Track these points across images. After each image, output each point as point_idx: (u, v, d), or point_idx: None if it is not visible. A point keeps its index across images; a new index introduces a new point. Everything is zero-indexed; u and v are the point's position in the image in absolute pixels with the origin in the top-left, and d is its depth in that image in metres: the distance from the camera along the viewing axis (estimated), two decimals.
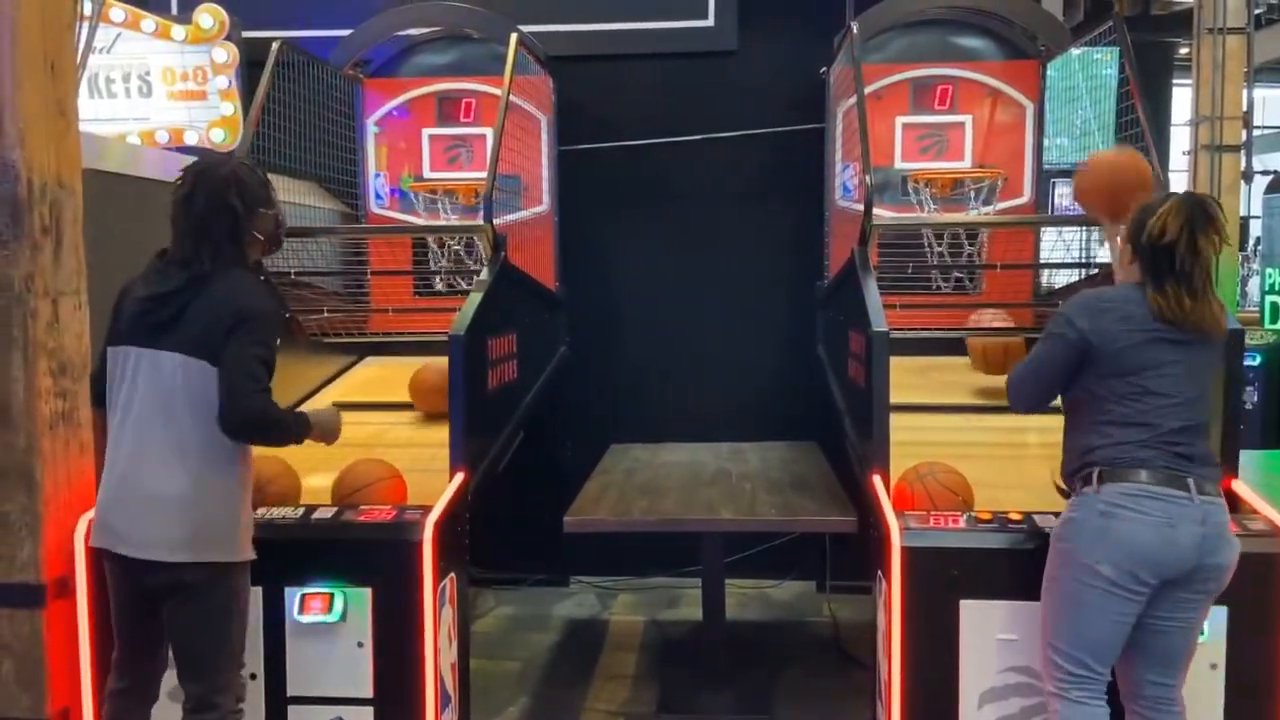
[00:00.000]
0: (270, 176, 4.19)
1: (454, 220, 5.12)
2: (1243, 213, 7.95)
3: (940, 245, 4.70)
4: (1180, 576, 2.46)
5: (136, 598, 2.63)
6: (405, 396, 4.24)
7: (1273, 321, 8.56)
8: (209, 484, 2.58)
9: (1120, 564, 2.45)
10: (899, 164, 4.96)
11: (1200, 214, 2.48)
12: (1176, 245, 2.47)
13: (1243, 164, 5.95)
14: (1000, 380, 3.10)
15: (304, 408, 4.21)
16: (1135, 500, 2.46)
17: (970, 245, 4.73)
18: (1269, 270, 9.21)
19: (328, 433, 2.88)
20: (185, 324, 2.57)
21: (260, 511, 3.11)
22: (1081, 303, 2.61)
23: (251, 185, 2.70)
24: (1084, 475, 2.57)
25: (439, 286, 4.97)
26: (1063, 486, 2.71)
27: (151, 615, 2.63)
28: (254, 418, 2.57)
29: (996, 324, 4.32)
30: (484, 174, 4.24)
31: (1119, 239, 2.70)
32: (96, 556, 2.94)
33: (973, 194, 4.84)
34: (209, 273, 2.60)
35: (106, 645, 2.94)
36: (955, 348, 4.45)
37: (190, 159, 2.91)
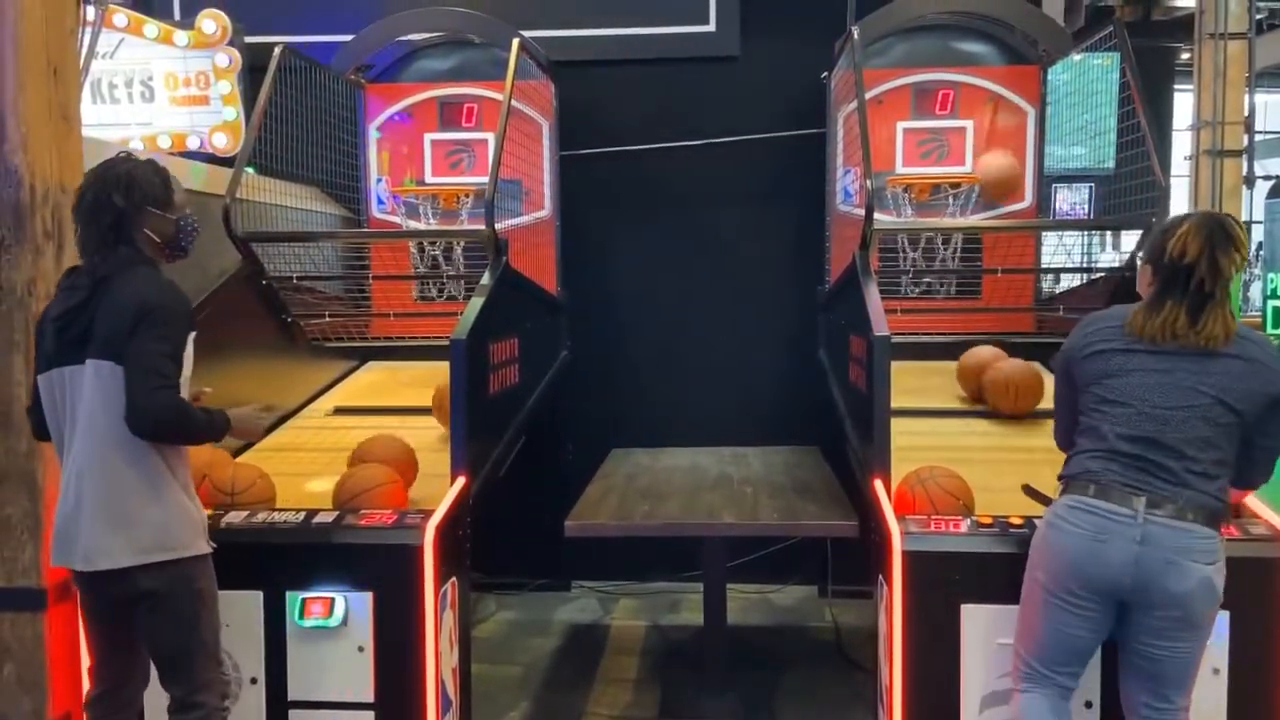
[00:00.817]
0: (272, 180, 4.25)
1: (435, 224, 5.14)
2: (1244, 218, 7.94)
3: (915, 251, 4.69)
4: (1127, 596, 2.43)
5: (105, 608, 2.61)
6: (406, 401, 4.25)
7: (1275, 327, 8.56)
8: (139, 486, 2.52)
9: (1053, 573, 2.50)
10: (900, 169, 4.96)
11: (1221, 235, 2.45)
12: (1197, 265, 2.44)
13: (1244, 169, 5.95)
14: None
15: (305, 412, 4.24)
16: (1070, 512, 2.49)
17: (944, 249, 4.73)
18: (1271, 275, 9.21)
19: (248, 430, 2.83)
20: (95, 329, 2.52)
21: (262, 515, 3.11)
22: (1075, 329, 2.66)
23: (143, 183, 2.60)
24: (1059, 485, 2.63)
25: (432, 293, 4.99)
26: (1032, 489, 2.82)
27: (122, 623, 2.61)
28: (160, 415, 2.48)
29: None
30: (486, 179, 4.25)
31: (1140, 261, 2.69)
32: None
33: (951, 199, 4.84)
34: (108, 275, 2.54)
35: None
36: (957, 352, 4.46)
37: (194, 164, 2.91)
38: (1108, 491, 2.45)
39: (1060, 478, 2.61)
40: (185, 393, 2.58)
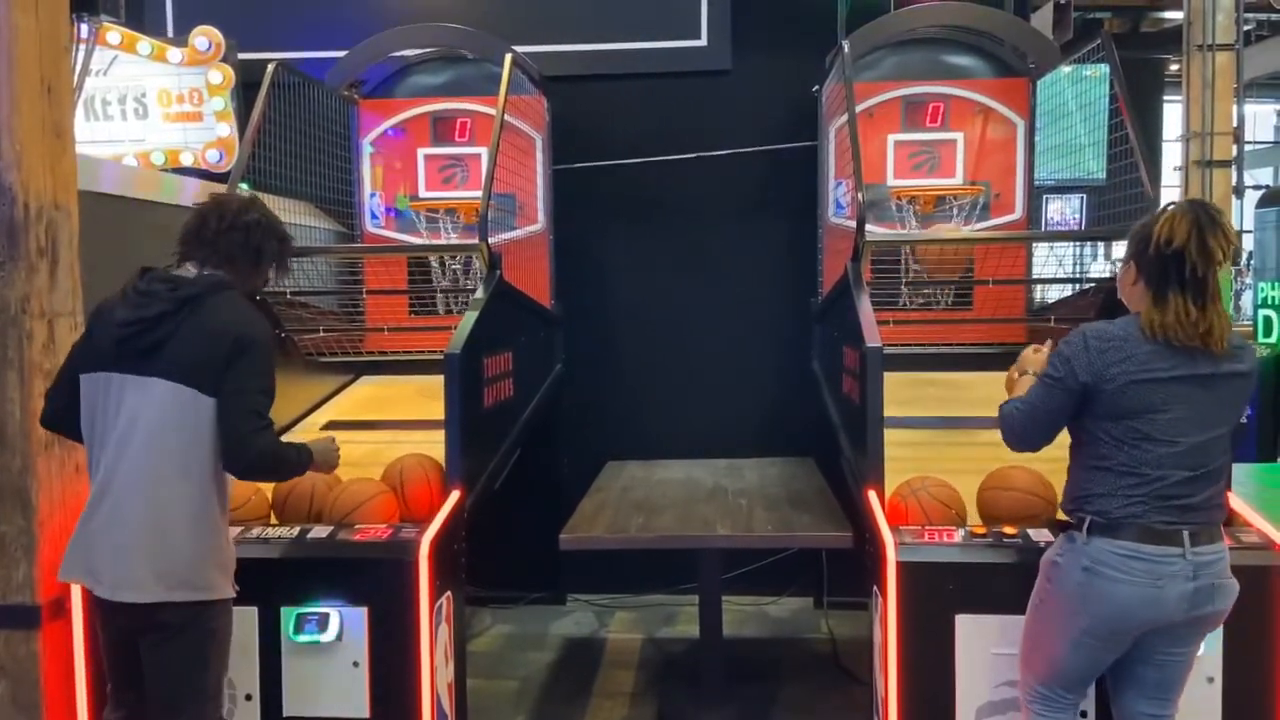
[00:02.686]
0: (266, 196, 4.25)
1: (454, 239, 5.14)
2: (1234, 227, 7.99)
3: (916, 261, 4.72)
4: (1173, 623, 2.41)
5: (119, 634, 2.54)
6: (400, 415, 4.25)
7: (1266, 336, 8.59)
8: (184, 519, 2.46)
9: (1100, 621, 2.41)
10: (891, 181, 4.98)
11: (1207, 218, 2.38)
12: (1187, 249, 2.35)
13: (1234, 179, 6.00)
14: None
15: (300, 427, 4.24)
16: (1121, 560, 2.38)
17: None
18: (1262, 284, 9.25)
19: (326, 462, 2.83)
20: (175, 350, 2.43)
21: (256, 531, 3.11)
22: (1080, 342, 2.46)
23: (286, 243, 2.76)
24: (1077, 517, 2.50)
25: (440, 310, 4.98)
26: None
27: (135, 649, 2.53)
28: (263, 458, 2.50)
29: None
30: (479, 193, 4.26)
31: (1121, 263, 2.58)
32: None
33: (956, 210, 4.87)
34: (198, 294, 2.48)
35: (102, 666, 2.94)
36: (949, 363, 4.47)
37: (186, 180, 2.93)
38: (1157, 535, 2.37)
39: (1080, 512, 2.48)
40: None
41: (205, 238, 2.57)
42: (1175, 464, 2.38)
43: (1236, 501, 3.00)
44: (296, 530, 3.11)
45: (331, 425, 4.30)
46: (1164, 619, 2.38)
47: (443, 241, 5.14)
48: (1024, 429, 2.57)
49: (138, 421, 2.44)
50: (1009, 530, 2.97)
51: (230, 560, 2.59)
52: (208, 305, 2.48)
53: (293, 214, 4.63)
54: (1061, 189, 5.11)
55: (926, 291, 4.80)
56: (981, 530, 2.98)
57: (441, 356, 3.38)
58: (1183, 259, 2.36)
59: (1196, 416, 2.39)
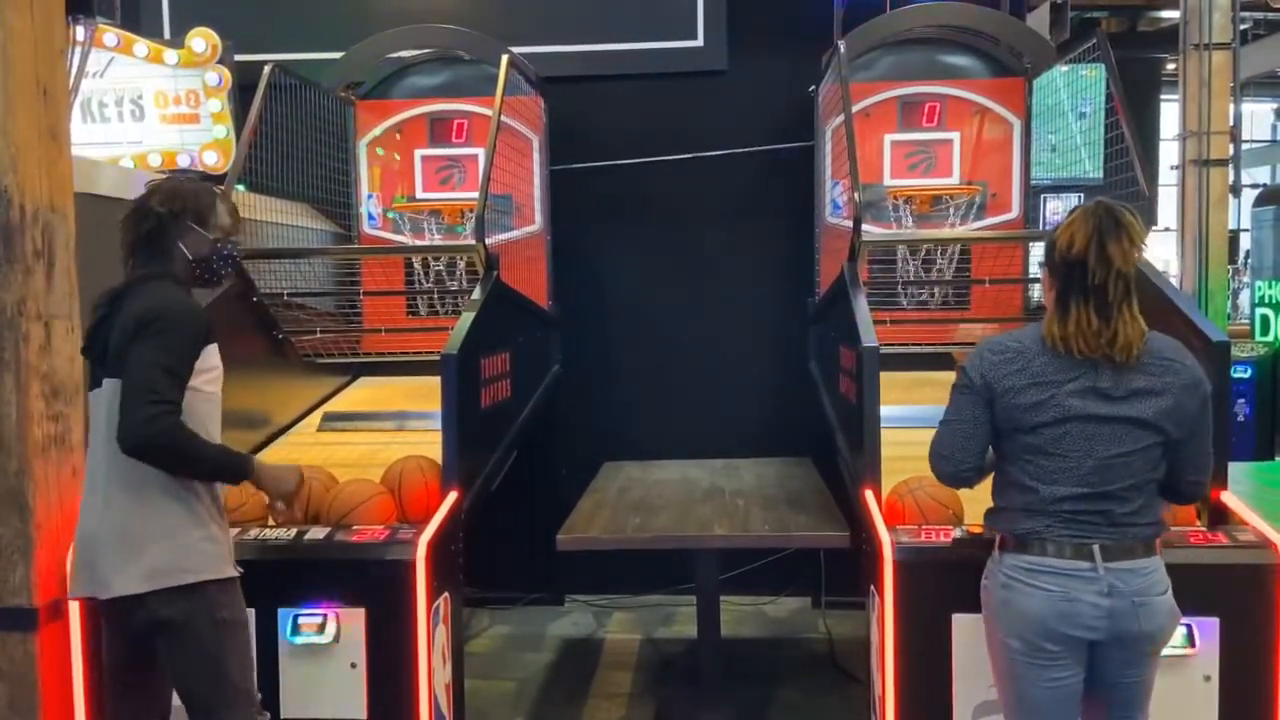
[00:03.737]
0: (264, 198, 4.25)
1: (439, 240, 5.14)
2: (1232, 226, 8.01)
3: (915, 261, 4.72)
4: (1104, 640, 2.32)
5: (123, 641, 2.51)
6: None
7: (1263, 334, 8.60)
8: (155, 508, 2.42)
9: (1025, 636, 2.35)
10: (888, 181, 4.99)
11: (1109, 222, 2.27)
12: (1087, 255, 2.26)
13: (1231, 178, 6.01)
14: None
15: (297, 428, 4.23)
16: (1031, 574, 2.34)
17: (941, 260, 4.75)
18: (1259, 283, 9.26)
19: (277, 485, 2.60)
20: (110, 347, 2.45)
21: (253, 532, 3.11)
22: (977, 353, 2.43)
23: (186, 195, 2.56)
24: (991, 534, 2.49)
25: (422, 311, 4.99)
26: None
27: (140, 659, 2.51)
28: (145, 435, 2.29)
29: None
30: (476, 194, 4.26)
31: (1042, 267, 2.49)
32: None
33: (952, 210, 4.87)
34: (126, 288, 2.49)
35: (100, 669, 2.93)
36: (946, 362, 4.47)
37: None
38: (1062, 548, 2.32)
39: (991, 527, 2.49)
40: (213, 413, 2.51)
41: (122, 237, 2.58)
42: (1073, 481, 2.31)
43: (1233, 500, 3.00)
44: (293, 532, 3.10)
45: (327, 418, 4.30)
46: (1085, 633, 2.31)
47: (427, 243, 5.15)
48: (940, 442, 2.49)
49: (98, 424, 2.49)
50: None
51: (224, 542, 2.53)
52: (132, 295, 2.47)
53: (290, 215, 4.63)
54: (1058, 188, 5.11)
55: (926, 290, 4.80)
56: (978, 529, 2.98)
57: (439, 357, 3.38)
58: (1084, 266, 2.27)
59: (1098, 433, 2.30)
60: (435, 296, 4.99)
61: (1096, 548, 2.30)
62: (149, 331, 2.36)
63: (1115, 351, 2.28)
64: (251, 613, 2.91)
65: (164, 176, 2.66)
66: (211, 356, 2.51)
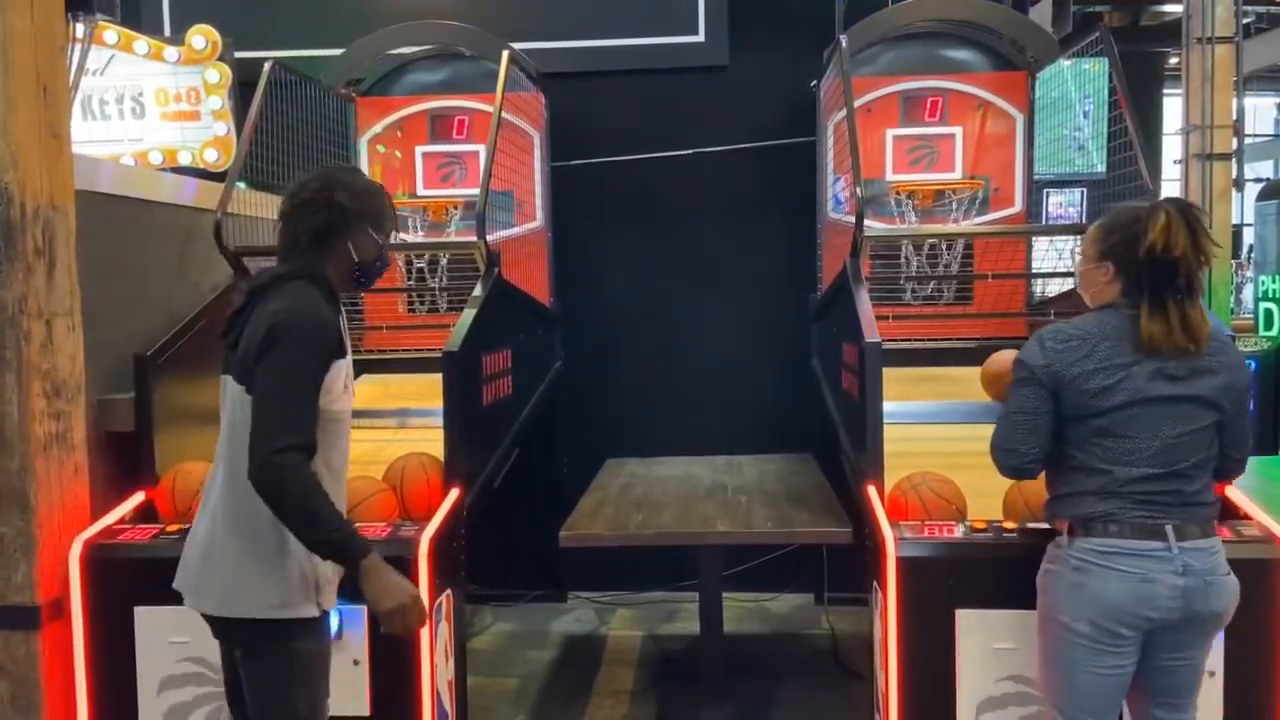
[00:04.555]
0: (263, 195, 4.25)
1: (422, 238, 5.14)
2: (1235, 220, 8.00)
3: (919, 256, 4.71)
4: (1170, 624, 2.34)
5: (221, 646, 2.42)
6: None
7: (1267, 329, 8.59)
8: (230, 531, 2.26)
9: (1097, 621, 2.34)
10: (890, 176, 4.98)
11: (1197, 223, 2.33)
12: (1184, 258, 2.30)
13: (1234, 172, 6.00)
14: None
15: None
16: (1107, 557, 2.34)
17: (948, 255, 4.75)
18: (1262, 278, 9.24)
19: (377, 596, 2.20)
20: (241, 346, 2.26)
21: None
22: (1039, 341, 2.43)
23: (371, 194, 2.40)
24: (1056, 521, 2.48)
25: (401, 307, 4.97)
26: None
27: (235, 664, 2.39)
28: (269, 482, 2.10)
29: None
30: (477, 190, 4.25)
31: (1082, 259, 2.50)
32: (92, 579, 2.94)
33: (955, 205, 4.86)
34: (263, 285, 2.28)
35: (101, 667, 2.94)
36: (948, 358, 4.46)
37: (185, 179, 2.88)
38: (1139, 530, 2.33)
39: (1057, 515, 2.47)
40: (333, 441, 2.29)
41: (284, 225, 2.37)
42: (1144, 462, 2.34)
43: (1237, 494, 2.99)
44: None
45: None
46: (1160, 616, 2.32)
47: (411, 240, 5.14)
48: (1002, 435, 2.49)
49: (222, 426, 2.34)
50: (1008, 525, 2.96)
51: (318, 577, 2.30)
52: (269, 296, 2.26)
53: None
54: (1061, 183, 5.10)
55: (932, 285, 4.79)
56: (981, 525, 2.97)
57: (441, 355, 3.38)
58: (1177, 266, 2.31)
59: (1164, 413, 2.34)
60: (433, 294, 4.98)
61: (1169, 527, 2.33)
62: (277, 348, 2.15)
63: (1196, 344, 2.32)
64: None
65: (333, 168, 2.51)
66: (339, 372, 2.27)
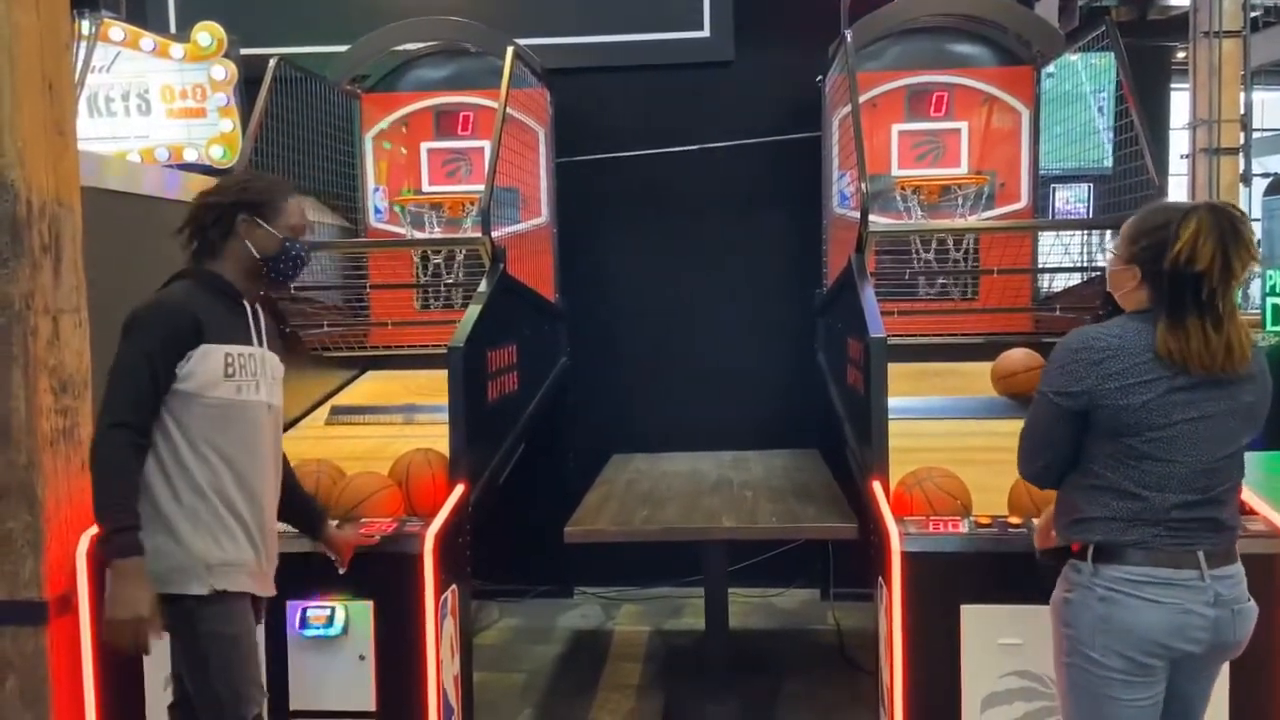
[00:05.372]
0: None
1: (439, 233, 5.14)
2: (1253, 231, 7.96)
3: (927, 251, 4.70)
4: (1198, 653, 2.17)
5: None
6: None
7: (1274, 324, 8.55)
8: (157, 508, 2.35)
9: (1128, 654, 2.15)
10: (895, 171, 4.97)
11: (1232, 233, 2.09)
12: (1209, 273, 2.08)
13: (1241, 167, 5.98)
14: None
15: (305, 422, 4.23)
16: (1138, 586, 2.14)
17: (956, 250, 4.74)
18: (1270, 272, 9.20)
19: (113, 600, 2.26)
20: None
21: None
22: (1071, 350, 2.20)
23: (256, 190, 2.50)
24: (1078, 543, 2.25)
25: (416, 305, 4.98)
26: (1045, 551, 2.43)
27: None
28: (91, 451, 2.33)
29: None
30: (482, 187, 4.26)
31: (1113, 258, 2.28)
32: (99, 574, 2.95)
33: (961, 200, 4.85)
34: (164, 284, 2.45)
35: (109, 662, 2.95)
36: (954, 353, 4.45)
37: (191, 176, 2.89)
38: (1170, 558, 2.14)
39: (1082, 538, 2.23)
40: (225, 424, 2.38)
41: (184, 228, 2.53)
42: (1180, 487, 2.14)
43: (1243, 489, 2.98)
44: None
45: (334, 411, 4.31)
46: (1187, 648, 2.15)
47: (428, 236, 5.15)
48: (1025, 449, 2.32)
49: None
50: (1014, 520, 2.96)
51: (189, 552, 2.36)
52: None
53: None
54: (1067, 178, 5.08)
55: (942, 280, 4.78)
56: (986, 521, 2.97)
57: (446, 351, 3.38)
58: (1201, 280, 2.09)
59: (1205, 433, 2.14)
60: (429, 290, 4.99)
61: (1201, 554, 2.15)
62: (124, 339, 2.34)
63: (1234, 363, 2.12)
64: None
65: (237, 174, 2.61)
66: (206, 359, 2.37)
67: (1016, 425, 2.39)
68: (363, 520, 3.13)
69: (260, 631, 2.69)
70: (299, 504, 2.82)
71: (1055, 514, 2.34)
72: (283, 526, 3.13)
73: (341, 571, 2.90)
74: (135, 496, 2.31)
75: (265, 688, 2.53)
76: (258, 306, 2.57)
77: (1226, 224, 2.09)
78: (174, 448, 2.37)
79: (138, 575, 2.26)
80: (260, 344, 2.53)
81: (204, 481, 2.39)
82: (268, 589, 2.56)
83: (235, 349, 2.44)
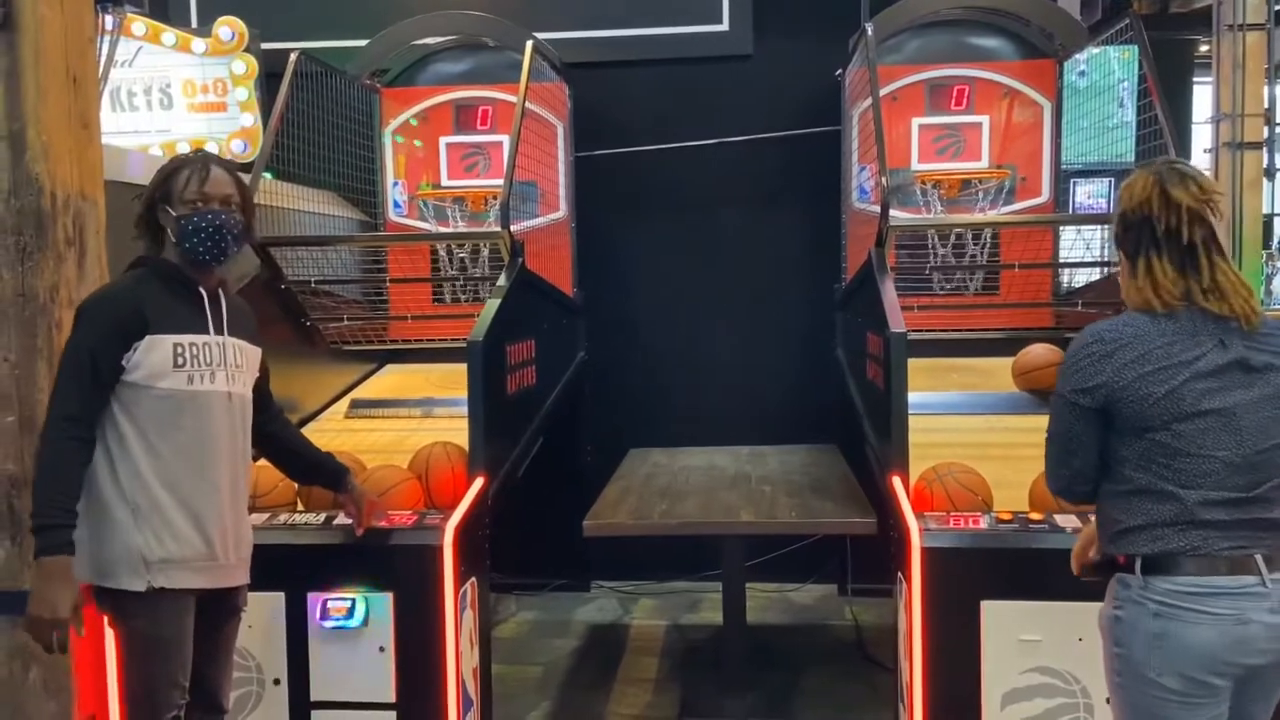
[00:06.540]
0: (289, 185, 4.27)
1: (463, 227, 5.15)
2: (1266, 210, 7.87)
3: (945, 247, 4.68)
4: (1261, 668, 1.99)
5: None
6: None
7: None
8: (86, 498, 2.31)
9: (1187, 673, 1.96)
10: (915, 165, 4.94)
11: (1168, 169, 2.05)
12: (1150, 206, 2.02)
13: (1265, 161, 5.91)
14: None
15: (325, 414, 4.25)
16: (1195, 599, 1.95)
17: (974, 245, 4.71)
18: None
19: (38, 598, 2.21)
20: None
21: (284, 517, 3.13)
22: (1084, 346, 2.06)
23: (157, 179, 2.49)
24: (1124, 556, 2.06)
25: (446, 298, 5.00)
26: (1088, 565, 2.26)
27: None
28: (38, 444, 2.32)
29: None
30: (501, 181, 4.26)
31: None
32: None
33: (981, 194, 4.83)
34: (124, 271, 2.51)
35: None
36: (974, 349, 4.43)
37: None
38: (1226, 563, 1.96)
39: (1128, 552, 2.04)
40: (176, 417, 2.35)
41: None
42: (1220, 484, 1.96)
43: None
44: (322, 517, 3.13)
45: (354, 405, 4.33)
46: (1254, 662, 1.96)
47: (451, 230, 5.15)
48: (1050, 460, 2.15)
49: None
50: (1035, 516, 2.94)
51: (127, 548, 2.33)
52: None
53: (316, 203, 4.66)
54: (1089, 172, 5.04)
55: (959, 276, 4.76)
56: (1007, 516, 2.96)
57: (465, 344, 3.39)
58: (1150, 221, 2.02)
59: (1239, 423, 1.96)
60: (459, 284, 5.00)
61: (1260, 558, 1.96)
62: (73, 328, 2.37)
63: (1226, 304, 1.98)
64: (281, 596, 2.96)
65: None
66: (153, 350, 2.35)
67: (1037, 421, 2.34)
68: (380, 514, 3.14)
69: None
70: (311, 463, 2.87)
71: (1097, 530, 2.18)
72: (306, 518, 3.15)
73: (359, 533, 2.92)
74: (73, 492, 2.26)
75: (188, 690, 2.43)
76: (220, 294, 2.53)
77: (1164, 168, 2.06)
78: (122, 439, 2.35)
79: (62, 575, 2.22)
80: (220, 332, 2.48)
81: (152, 474, 2.35)
82: (228, 580, 2.49)
83: (187, 338, 2.40)
